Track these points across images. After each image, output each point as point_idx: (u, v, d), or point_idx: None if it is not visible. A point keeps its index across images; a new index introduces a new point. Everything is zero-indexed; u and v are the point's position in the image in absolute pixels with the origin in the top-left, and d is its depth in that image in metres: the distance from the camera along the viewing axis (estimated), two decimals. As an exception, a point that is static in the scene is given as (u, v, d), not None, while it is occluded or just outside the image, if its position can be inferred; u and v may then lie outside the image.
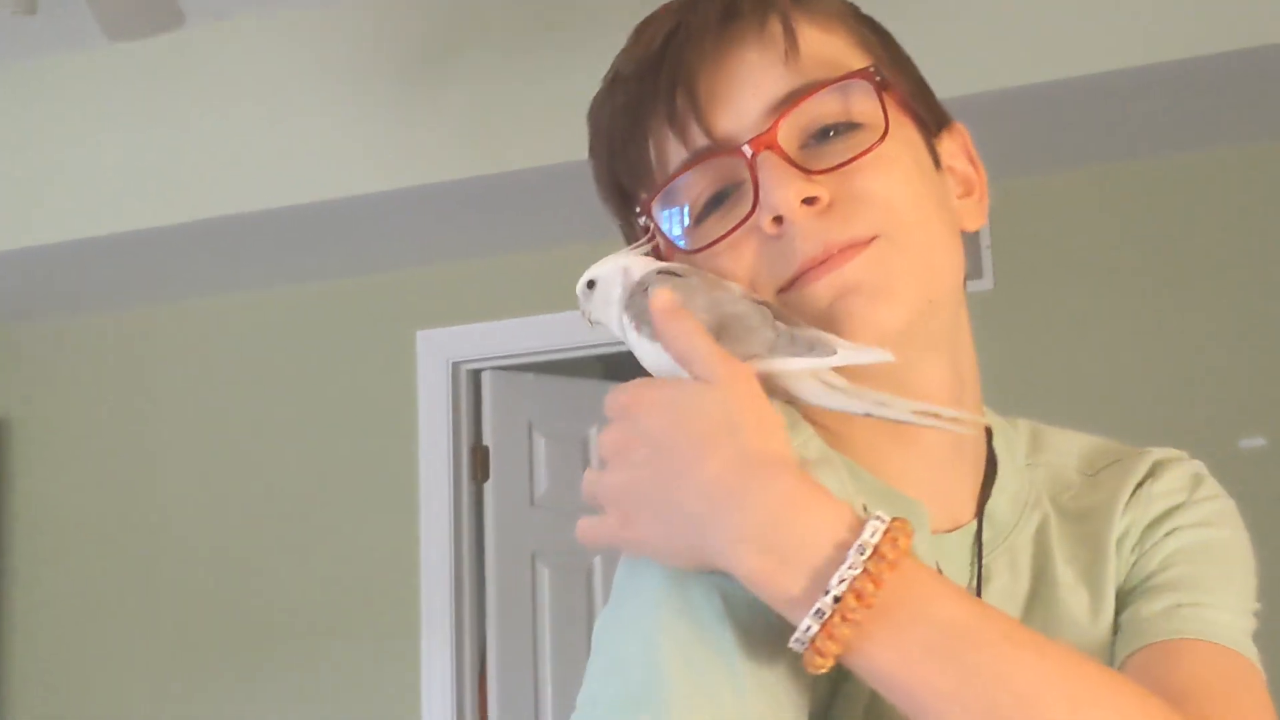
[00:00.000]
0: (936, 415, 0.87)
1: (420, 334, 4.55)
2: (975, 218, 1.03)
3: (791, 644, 0.77)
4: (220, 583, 4.62)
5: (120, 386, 4.83)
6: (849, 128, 0.93)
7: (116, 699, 4.69)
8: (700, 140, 0.93)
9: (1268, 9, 3.12)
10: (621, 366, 3.81)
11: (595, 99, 1.01)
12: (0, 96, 4.13)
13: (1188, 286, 3.82)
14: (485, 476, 4.62)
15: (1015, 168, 3.86)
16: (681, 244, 0.95)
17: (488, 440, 4.64)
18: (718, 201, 0.93)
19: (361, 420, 4.57)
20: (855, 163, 0.91)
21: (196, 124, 3.92)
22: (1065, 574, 0.99)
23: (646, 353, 0.87)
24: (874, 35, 1.00)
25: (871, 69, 0.94)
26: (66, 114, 4.07)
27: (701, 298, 0.87)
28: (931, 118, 1.01)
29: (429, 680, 4.37)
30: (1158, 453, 1.05)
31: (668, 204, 0.95)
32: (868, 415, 0.86)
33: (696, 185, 0.94)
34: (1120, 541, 1.01)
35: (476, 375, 4.64)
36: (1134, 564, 1.01)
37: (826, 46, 0.96)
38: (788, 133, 0.91)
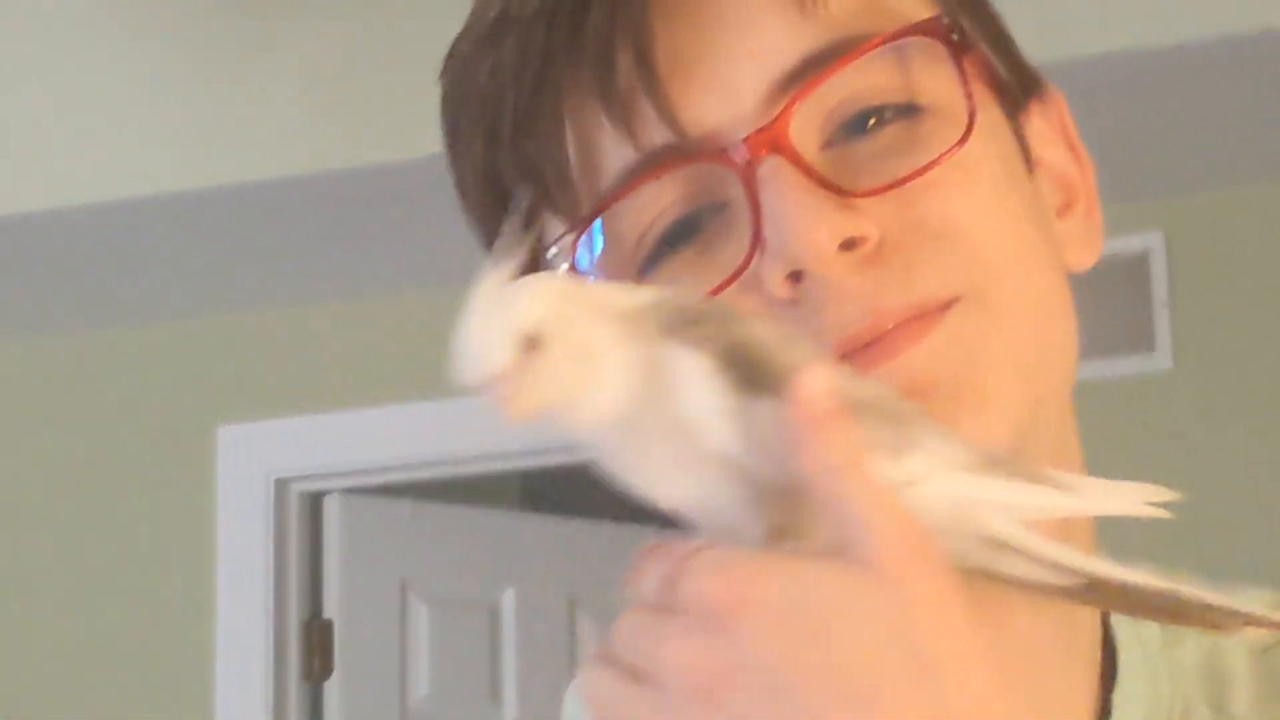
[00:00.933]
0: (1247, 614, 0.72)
1: (223, 431, 3.92)
2: (1083, 247, 0.87)
3: None
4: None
5: None
6: (904, 113, 0.77)
7: None
8: (658, 134, 0.76)
9: None
10: (557, 488, 3.90)
11: (465, 45, 0.86)
12: None
13: None
14: (327, 671, 3.90)
15: (1209, 173, 3.53)
16: None
17: (331, 611, 3.95)
18: (685, 233, 0.77)
19: (124, 572, 3.97)
20: (923, 175, 0.75)
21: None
22: None
23: (716, 411, 0.66)
24: None
25: (942, 19, 0.79)
26: None
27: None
28: (1017, 83, 0.86)
29: None
30: None
31: (599, 237, 0.80)
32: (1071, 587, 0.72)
33: (650, 206, 0.77)
34: None
35: (316, 501, 3.97)
36: None
37: None
38: (806, 124, 0.75)
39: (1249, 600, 0.80)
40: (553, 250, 0.82)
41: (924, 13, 0.80)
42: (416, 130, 3.25)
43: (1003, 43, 0.86)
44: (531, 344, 0.64)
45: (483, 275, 0.66)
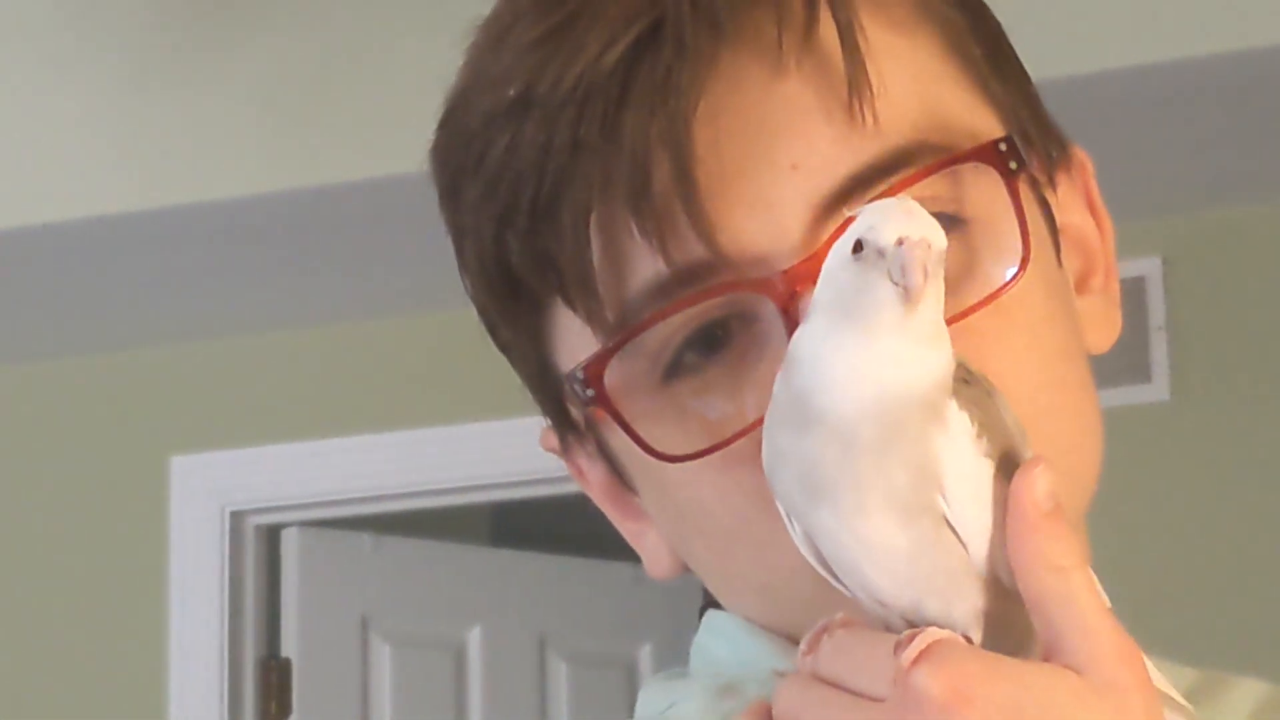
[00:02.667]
0: None
1: (176, 462, 3.89)
2: (1104, 323, 0.86)
3: None
4: None
5: None
6: (951, 225, 0.73)
7: None
8: (693, 250, 0.73)
9: None
10: (525, 523, 4.27)
11: (470, 115, 0.81)
12: None
13: None
14: (285, 712, 3.90)
15: (1209, 192, 3.58)
16: (651, 432, 0.76)
17: (289, 649, 3.91)
18: (712, 341, 0.75)
19: (74, 607, 3.95)
20: (972, 313, 0.75)
21: None
22: None
23: (965, 470, 0.67)
24: (964, 16, 0.82)
25: (1005, 145, 0.76)
26: None
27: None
28: (1045, 150, 0.83)
29: None
30: None
31: (622, 357, 0.77)
32: None
33: (679, 317, 0.75)
34: None
35: (273, 534, 3.96)
36: None
37: (909, 71, 0.78)
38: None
39: (1243, 694, 0.86)
40: (571, 362, 0.80)
41: (978, 117, 0.79)
42: (380, 151, 3.15)
43: (1034, 109, 0.84)
44: (858, 250, 0.65)
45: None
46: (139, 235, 3.44)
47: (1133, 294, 3.38)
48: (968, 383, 0.67)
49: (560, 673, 4.19)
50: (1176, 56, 2.93)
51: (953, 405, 0.66)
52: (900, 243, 0.62)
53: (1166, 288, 3.43)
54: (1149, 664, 0.69)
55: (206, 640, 3.77)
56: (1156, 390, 3.40)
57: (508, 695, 4.06)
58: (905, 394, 0.64)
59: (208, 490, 3.84)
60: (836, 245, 0.65)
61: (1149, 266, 3.45)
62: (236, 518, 3.84)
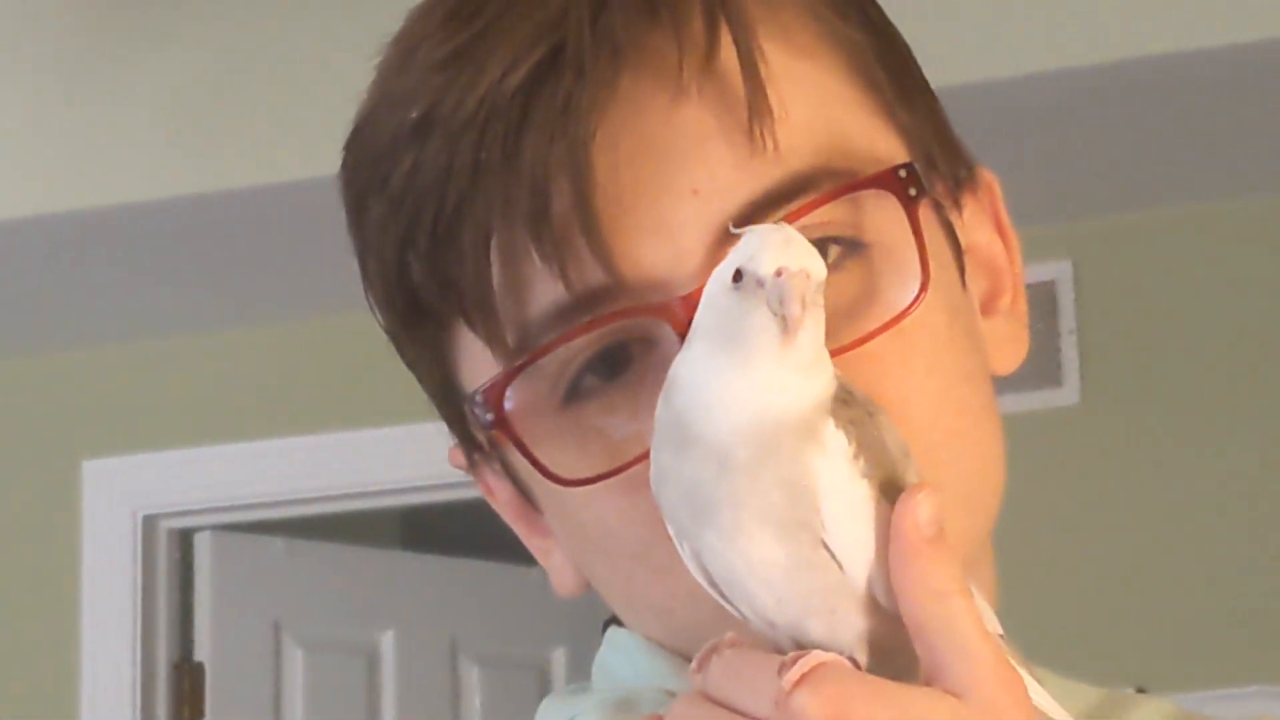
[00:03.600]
0: None
1: (88, 466, 3.93)
2: (1010, 348, 0.86)
3: None
4: None
5: None
6: (850, 250, 0.75)
7: None
8: (593, 275, 0.73)
9: None
10: (437, 525, 4.26)
11: (375, 135, 0.81)
12: None
13: None
14: (198, 717, 3.93)
15: (1118, 196, 3.60)
16: (551, 455, 0.76)
17: (202, 654, 3.95)
18: (612, 364, 0.74)
19: None
20: (872, 339, 0.76)
21: None
22: None
23: (840, 490, 0.67)
24: (868, 38, 0.83)
25: (905, 172, 0.76)
26: None
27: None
28: (951, 172, 0.83)
29: None
30: None
31: (524, 379, 0.77)
32: None
33: (579, 342, 0.74)
34: None
35: (186, 538, 3.97)
36: None
37: (811, 95, 0.78)
38: None
39: (1145, 715, 0.87)
40: (474, 379, 0.80)
41: (880, 141, 0.79)
42: (290, 156, 3.20)
43: (944, 136, 0.85)
44: (737, 280, 0.65)
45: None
46: (48, 240, 3.46)
47: (1043, 298, 3.44)
48: (847, 404, 0.67)
49: (472, 676, 4.18)
50: (1086, 62, 2.99)
51: (830, 425, 0.66)
52: (779, 273, 0.63)
53: (1077, 291, 3.47)
54: (1040, 686, 0.71)
55: (119, 644, 3.76)
56: (1067, 395, 3.46)
57: (420, 698, 4.04)
58: (780, 418, 0.65)
59: (120, 494, 3.83)
60: (717, 271, 0.66)
61: (1059, 270, 3.46)
62: (149, 522, 3.83)
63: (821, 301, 0.64)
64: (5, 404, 4.03)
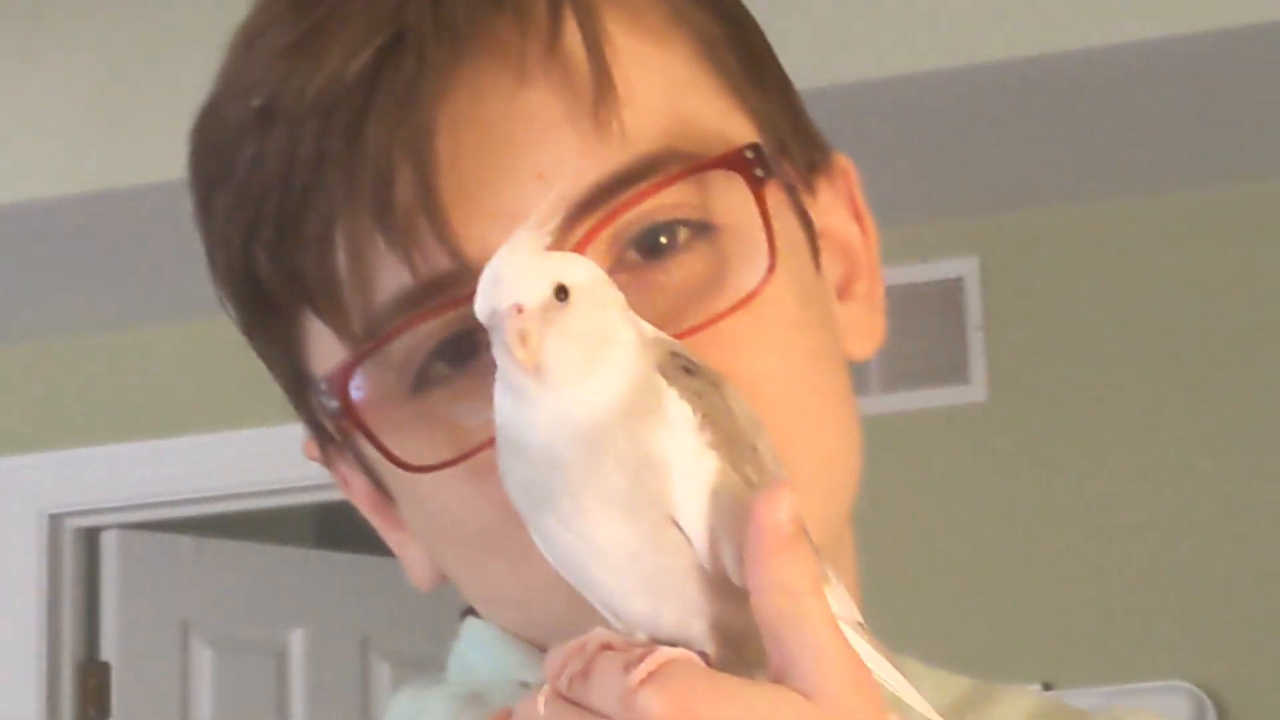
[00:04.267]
0: None
1: None
2: (866, 332, 0.87)
3: None
4: None
5: None
6: (699, 232, 0.77)
7: None
8: (438, 260, 0.73)
9: None
10: (350, 522, 3.47)
11: (220, 123, 0.81)
12: None
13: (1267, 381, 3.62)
14: (104, 717, 3.91)
15: (1024, 193, 3.60)
16: (399, 443, 0.75)
17: (109, 653, 3.94)
18: (458, 352, 0.73)
19: None
20: (720, 320, 0.77)
21: None
22: None
23: (688, 463, 0.66)
24: (719, 23, 0.83)
25: (751, 152, 0.77)
26: None
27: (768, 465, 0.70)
28: (804, 157, 0.84)
29: None
30: None
31: (370, 366, 0.77)
32: None
33: (424, 329, 0.74)
34: None
35: (93, 536, 3.98)
36: None
37: (658, 78, 0.78)
38: (594, 251, 0.73)
39: (1012, 704, 0.88)
40: (322, 368, 0.80)
41: (730, 124, 0.80)
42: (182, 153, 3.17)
43: (793, 115, 0.86)
44: (562, 294, 0.64)
45: (521, 231, 0.66)
46: None
47: (951, 294, 3.48)
48: (691, 374, 0.67)
49: (384, 674, 4.17)
50: (994, 58, 3.00)
51: (673, 395, 0.66)
52: (494, 315, 0.64)
53: (984, 288, 3.47)
54: (901, 676, 0.71)
55: (24, 643, 3.76)
56: (975, 391, 3.45)
57: (330, 697, 4.02)
58: (596, 419, 0.65)
59: (25, 493, 3.83)
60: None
61: (966, 266, 3.47)
62: (55, 520, 3.82)
63: (562, 313, 0.64)
64: None
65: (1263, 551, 3.41)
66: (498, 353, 0.63)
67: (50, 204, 3.34)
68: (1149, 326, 3.53)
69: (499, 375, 0.65)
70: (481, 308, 0.63)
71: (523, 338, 0.61)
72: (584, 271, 0.66)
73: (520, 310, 0.61)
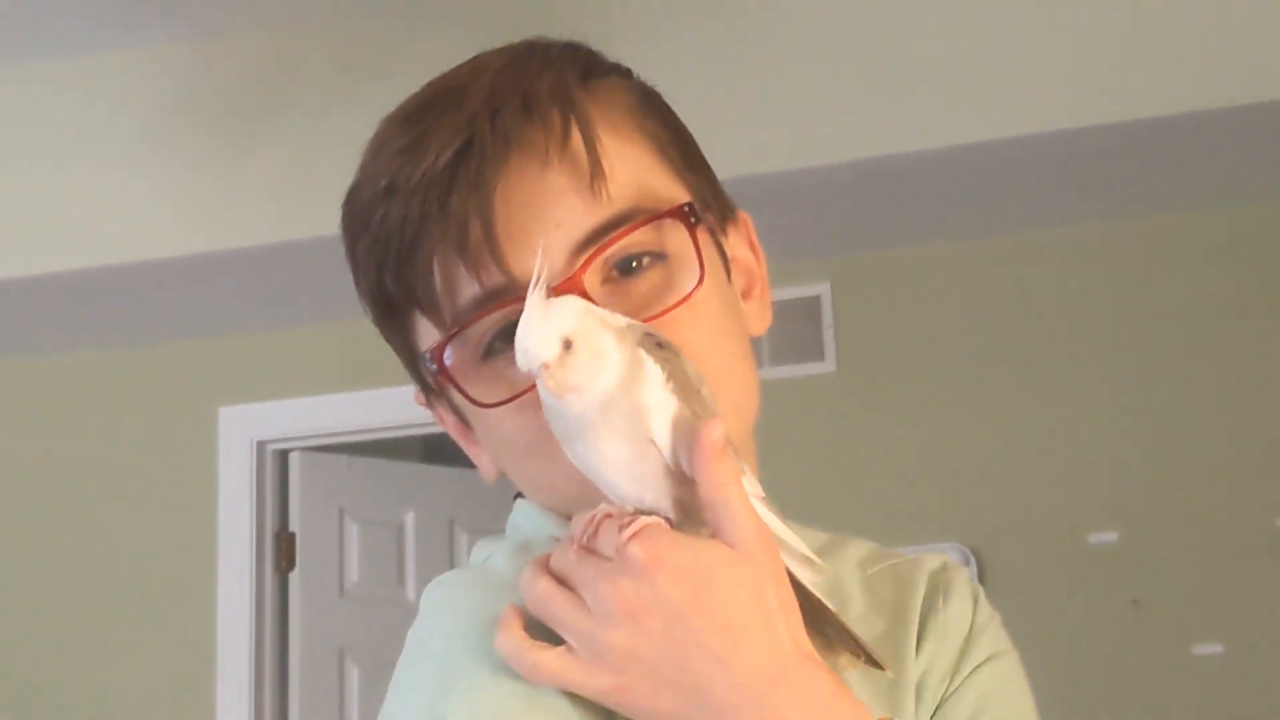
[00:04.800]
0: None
1: (223, 411, 4.61)
2: (760, 320, 1.06)
3: None
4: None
5: None
6: (657, 258, 0.93)
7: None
8: (496, 277, 0.90)
9: (1106, 94, 3.40)
10: (442, 447, 3.78)
11: (362, 195, 0.98)
12: None
13: (1037, 372, 4.07)
14: (291, 565, 4.64)
15: (864, 240, 4.07)
16: (474, 391, 0.93)
17: (294, 526, 4.67)
18: (509, 336, 0.87)
19: (156, 502, 4.63)
20: (668, 313, 0.92)
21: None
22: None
23: (660, 405, 0.84)
24: (665, 131, 1.00)
25: (687, 208, 0.94)
26: None
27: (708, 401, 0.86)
28: (720, 212, 1.02)
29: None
30: (928, 560, 1.10)
31: (455, 344, 0.93)
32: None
33: (488, 319, 0.92)
34: (923, 683, 1.04)
35: (283, 456, 4.69)
36: (942, 703, 1.05)
37: (629, 164, 0.95)
38: (593, 271, 0.90)
39: (925, 563, 1.07)
40: (426, 346, 0.96)
41: (674, 191, 0.95)
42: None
43: (713, 185, 1.01)
44: (567, 344, 0.80)
45: (530, 298, 0.81)
46: (213, 270, 3.94)
47: (813, 305, 4.07)
48: (661, 347, 0.84)
49: (464, 541, 4.76)
50: (837, 160, 3.48)
51: (650, 362, 0.83)
52: (530, 370, 0.80)
53: (834, 301, 4.13)
54: (788, 529, 0.88)
55: (242, 520, 4.49)
56: (827, 366, 4.10)
57: (430, 558, 4.62)
58: (604, 395, 0.82)
59: (243, 429, 4.59)
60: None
61: (822, 288, 4.10)
62: (261, 446, 4.61)
63: (576, 348, 0.81)
64: (170, 371, 4.65)
65: (1014, 465, 3.98)
66: (539, 384, 0.81)
67: (292, 244, 3.81)
68: (944, 328, 4.10)
69: (539, 385, 0.81)
70: (522, 364, 0.80)
71: (551, 379, 0.79)
72: (572, 317, 0.82)
73: (546, 366, 0.79)
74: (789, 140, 3.56)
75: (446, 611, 0.89)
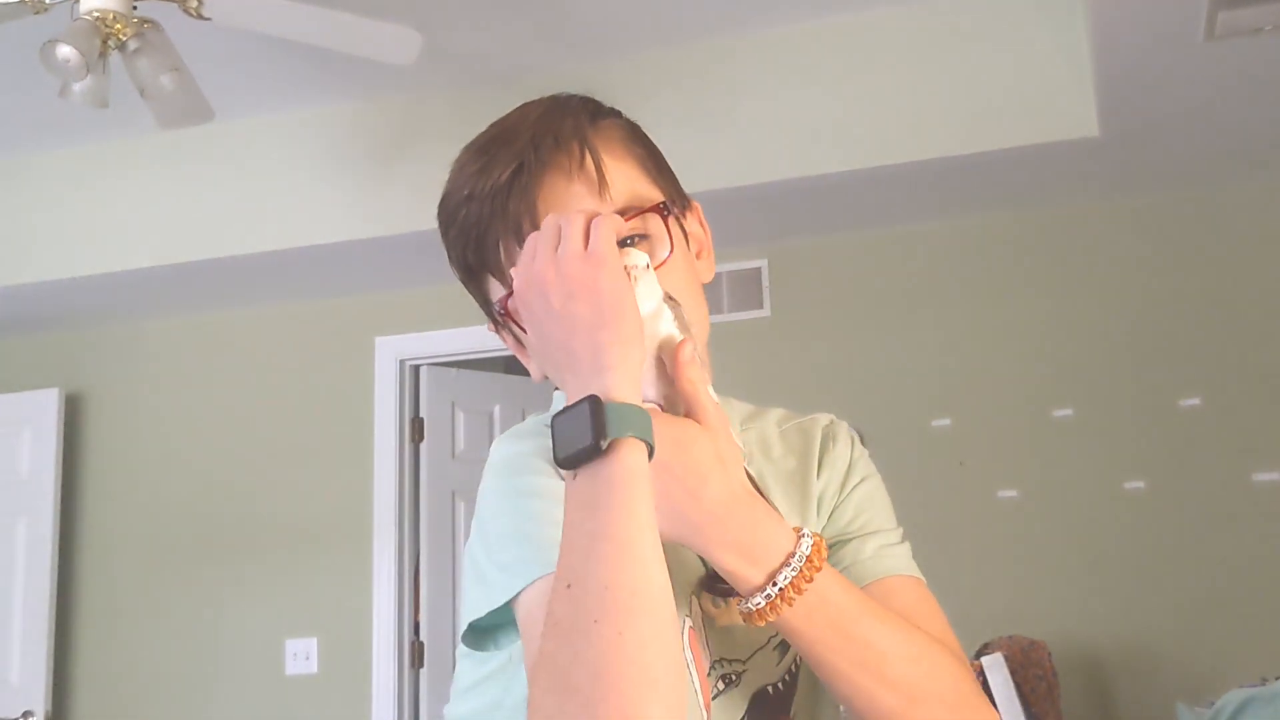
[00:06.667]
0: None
1: (379, 339, 5.55)
2: (708, 272, 1.28)
3: (740, 608, 1.10)
4: (230, 512, 5.57)
5: (163, 375, 5.81)
6: (641, 238, 1.17)
7: (156, 591, 5.66)
8: None
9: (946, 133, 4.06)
10: (515, 364, 4.83)
11: (451, 200, 1.21)
12: (81, 168, 5.06)
13: (898, 317, 4.79)
14: (421, 438, 5.53)
15: (789, 232, 4.94)
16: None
17: (424, 414, 5.56)
18: None
19: (334, 401, 5.57)
20: (660, 267, 1.14)
21: (223, 190, 4.85)
22: (779, 502, 1.23)
23: (647, 295, 1.05)
24: (646, 153, 1.23)
25: (664, 205, 1.18)
26: (131, 181, 4.94)
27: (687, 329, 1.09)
28: (681, 204, 1.25)
29: (379, 582, 5.31)
30: (822, 418, 1.34)
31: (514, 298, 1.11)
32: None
33: None
34: (821, 498, 1.28)
35: (417, 369, 5.57)
36: (834, 510, 1.28)
37: (623, 177, 1.18)
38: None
39: (819, 420, 1.32)
40: (497, 298, 1.17)
41: (653, 193, 1.18)
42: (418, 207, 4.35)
43: (676, 187, 1.23)
44: (649, 266, 1.03)
45: (641, 267, 0.99)
46: (375, 249, 4.48)
47: (755, 274, 4.75)
48: (672, 300, 1.06)
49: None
50: (778, 179, 4.04)
51: (666, 309, 1.05)
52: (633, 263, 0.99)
53: (770, 271, 4.91)
54: (724, 402, 1.13)
55: (390, 411, 5.30)
56: (765, 313, 4.86)
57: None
58: (648, 314, 1.03)
59: (392, 352, 5.37)
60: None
61: (762, 263, 4.84)
62: (403, 363, 5.35)
63: (651, 269, 1.02)
64: (344, 315, 5.26)
65: (881, 378, 4.61)
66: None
67: (418, 233, 4.39)
68: (840, 291, 4.80)
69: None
70: (629, 261, 1.01)
71: (643, 268, 1.01)
72: (657, 288, 1.03)
73: (648, 267, 1.01)
74: (739, 164, 4.23)
75: (494, 454, 1.15)
